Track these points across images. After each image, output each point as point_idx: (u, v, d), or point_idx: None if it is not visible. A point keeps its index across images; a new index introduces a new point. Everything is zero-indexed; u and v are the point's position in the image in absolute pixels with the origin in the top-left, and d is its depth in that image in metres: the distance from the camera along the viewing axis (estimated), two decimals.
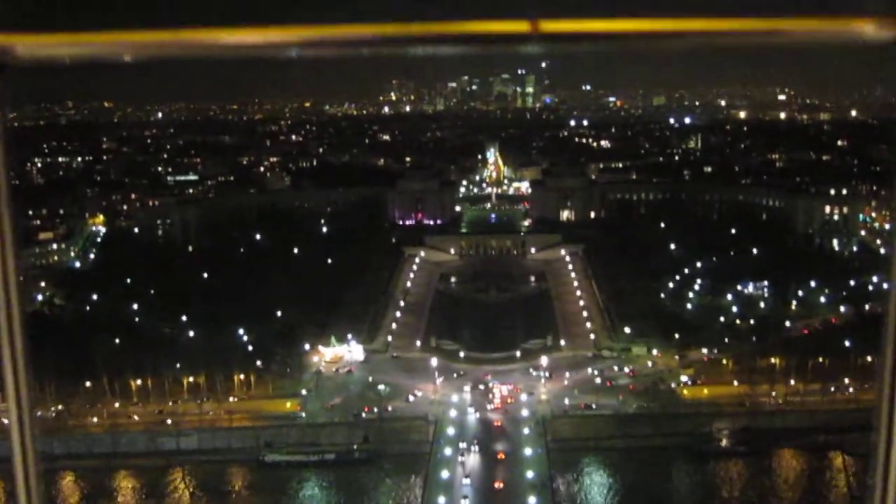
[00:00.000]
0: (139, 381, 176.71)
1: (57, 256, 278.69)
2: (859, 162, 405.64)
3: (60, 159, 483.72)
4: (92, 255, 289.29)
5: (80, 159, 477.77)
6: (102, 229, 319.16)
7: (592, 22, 4.16)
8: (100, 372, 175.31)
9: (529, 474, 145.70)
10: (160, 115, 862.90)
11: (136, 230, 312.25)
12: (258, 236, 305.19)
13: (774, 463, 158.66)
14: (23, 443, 5.18)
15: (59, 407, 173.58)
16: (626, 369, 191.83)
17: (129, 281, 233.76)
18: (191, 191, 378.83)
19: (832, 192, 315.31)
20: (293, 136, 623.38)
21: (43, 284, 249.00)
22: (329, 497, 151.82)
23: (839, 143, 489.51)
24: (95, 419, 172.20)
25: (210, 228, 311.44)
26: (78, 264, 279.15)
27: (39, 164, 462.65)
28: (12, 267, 4.75)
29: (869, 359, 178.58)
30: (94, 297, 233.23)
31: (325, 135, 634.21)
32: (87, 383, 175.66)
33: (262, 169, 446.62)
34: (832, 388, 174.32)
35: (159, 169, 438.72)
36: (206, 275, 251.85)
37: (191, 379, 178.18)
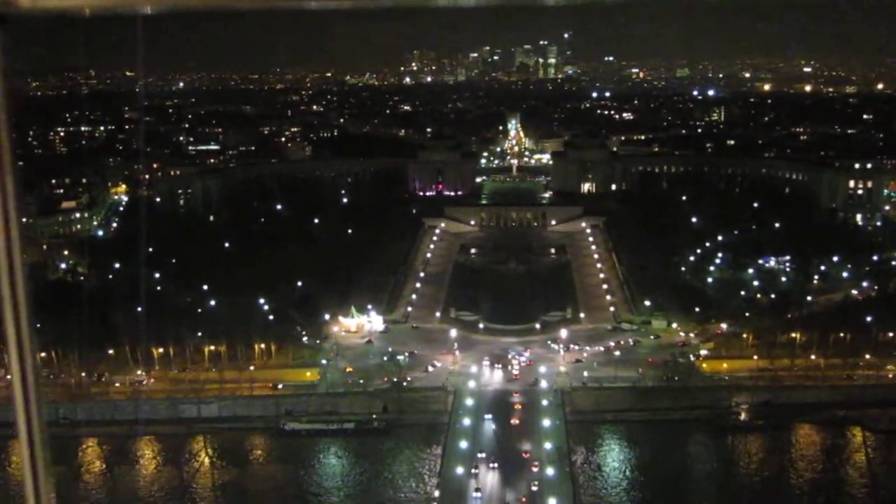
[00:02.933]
0: (161, 350, 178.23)
1: (80, 225, 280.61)
2: (885, 136, 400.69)
3: (83, 129, 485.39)
4: (114, 224, 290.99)
5: (102, 129, 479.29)
6: (125, 198, 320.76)
7: None
8: (122, 340, 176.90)
9: (547, 445, 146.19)
10: (181, 84, 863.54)
11: (157, 200, 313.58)
12: (279, 206, 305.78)
13: (794, 438, 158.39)
14: (27, 410, 5.19)
15: (82, 374, 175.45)
16: (647, 344, 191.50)
17: (150, 250, 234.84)
18: (212, 160, 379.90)
19: (857, 166, 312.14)
20: (314, 107, 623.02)
21: (66, 253, 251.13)
22: (348, 465, 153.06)
23: (865, 116, 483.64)
24: (118, 385, 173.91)
25: (231, 198, 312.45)
26: (101, 233, 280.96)
27: (63, 134, 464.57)
28: (16, 228, 4.67)
29: (891, 334, 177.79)
30: (117, 265, 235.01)
31: (346, 105, 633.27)
32: (110, 351, 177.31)
33: (282, 139, 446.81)
34: (853, 364, 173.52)
35: (181, 138, 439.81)
36: (227, 244, 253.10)
37: (212, 347, 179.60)
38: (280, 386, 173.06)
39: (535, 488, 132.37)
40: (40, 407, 5.21)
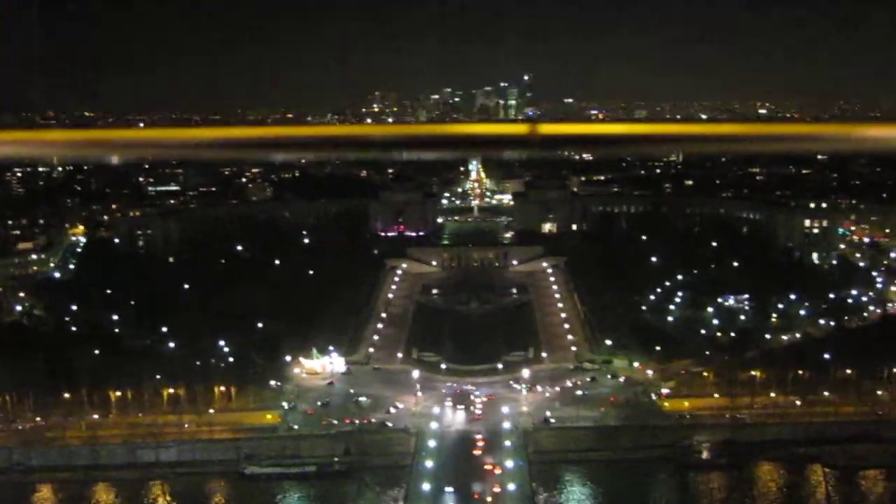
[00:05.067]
0: (118, 393, 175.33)
1: (36, 266, 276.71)
2: (839, 175, 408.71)
3: (41, 169, 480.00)
4: (72, 266, 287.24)
5: (60, 169, 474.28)
6: (83, 239, 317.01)
7: (586, 126, 4.17)
8: (79, 383, 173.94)
9: (511, 487, 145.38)
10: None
11: (116, 241, 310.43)
12: (240, 247, 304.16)
13: (755, 475, 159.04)
14: None
15: (38, 419, 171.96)
16: (608, 383, 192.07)
17: (109, 292, 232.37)
18: (172, 201, 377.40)
19: (812, 205, 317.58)
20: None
21: (22, 295, 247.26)
22: None
23: (819, 157, 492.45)
24: (74, 430, 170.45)
25: (191, 239, 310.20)
26: (58, 274, 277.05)
27: (20, 174, 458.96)
28: None
29: (848, 371, 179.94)
30: (74, 307, 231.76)
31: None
32: (66, 394, 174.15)
33: (243, 180, 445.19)
34: (811, 401, 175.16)
35: (140, 179, 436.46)
36: (186, 285, 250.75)
37: (171, 390, 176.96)
38: (240, 429, 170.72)
39: None
40: None
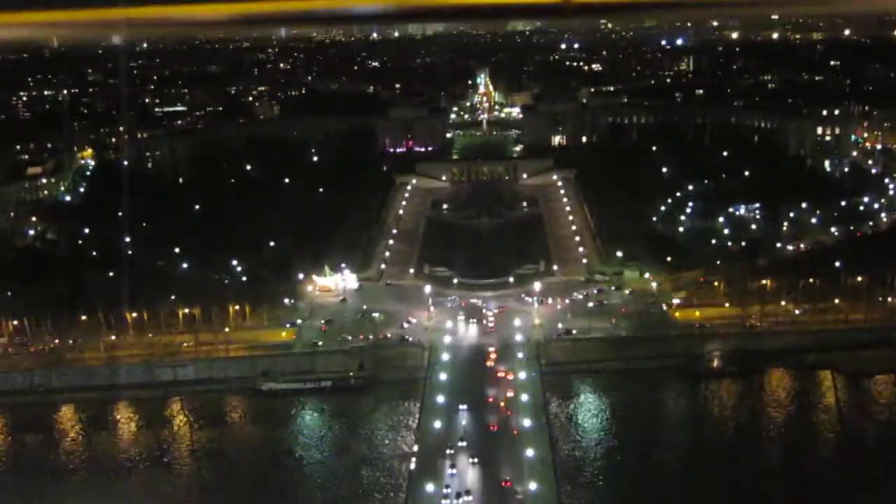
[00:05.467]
0: (134, 314, 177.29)
1: (47, 191, 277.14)
2: (852, 82, 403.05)
3: (46, 92, 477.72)
4: (82, 189, 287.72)
5: (65, 92, 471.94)
6: (91, 163, 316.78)
7: None
8: (95, 306, 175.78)
9: (524, 397, 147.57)
10: (145, 45, 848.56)
11: (125, 163, 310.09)
12: (249, 167, 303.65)
13: (765, 382, 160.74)
14: None
15: (56, 341, 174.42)
16: (620, 292, 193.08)
17: (120, 214, 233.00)
18: (179, 122, 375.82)
19: (824, 113, 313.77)
20: (281, 65, 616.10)
21: (34, 219, 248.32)
22: (326, 423, 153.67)
23: (832, 62, 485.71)
24: (92, 353, 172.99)
25: (200, 160, 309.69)
26: (68, 198, 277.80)
27: (25, 98, 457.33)
28: None
29: (859, 279, 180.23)
30: (87, 231, 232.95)
31: (314, 63, 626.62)
32: (83, 317, 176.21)
33: (250, 99, 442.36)
34: (822, 309, 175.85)
35: (147, 100, 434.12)
36: (197, 206, 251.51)
37: (186, 311, 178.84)
38: (256, 347, 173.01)
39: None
40: None
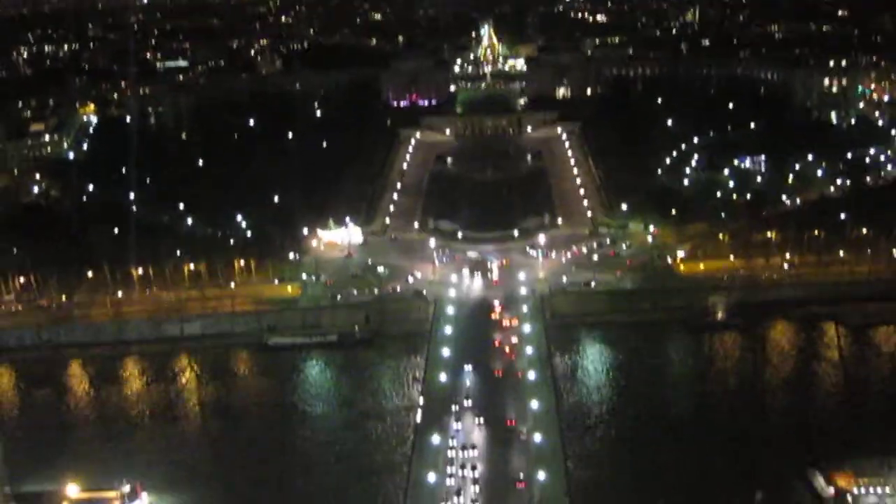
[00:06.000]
0: (140, 271, 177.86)
1: (50, 148, 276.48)
2: (860, 32, 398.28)
3: (47, 48, 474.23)
4: (85, 146, 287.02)
5: (66, 48, 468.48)
6: (94, 119, 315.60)
7: None
8: (101, 262, 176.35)
9: (528, 349, 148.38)
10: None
11: (128, 119, 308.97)
12: (252, 121, 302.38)
13: (769, 335, 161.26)
14: None
15: (63, 296, 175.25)
16: (624, 245, 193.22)
17: (124, 170, 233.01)
18: (181, 77, 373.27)
19: (831, 64, 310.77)
20: (283, 18, 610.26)
21: (38, 176, 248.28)
22: (333, 377, 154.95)
23: (839, 13, 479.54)
24: (99, 309, 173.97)
25: (203, 114, 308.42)
26: (72, 155, 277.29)
27: (26, 54, 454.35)
28: None
29: (864, 231, 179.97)
30: (91, 187, 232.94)
31: (316, 15, 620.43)
32: (89, 273, 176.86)
33: (252, 52, 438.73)
34: (827, 261, 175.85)
35: (148, 55, 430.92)
36: (200, 161, 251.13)
37: (191, 266, 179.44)
38: (261, 302, 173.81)
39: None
40: None
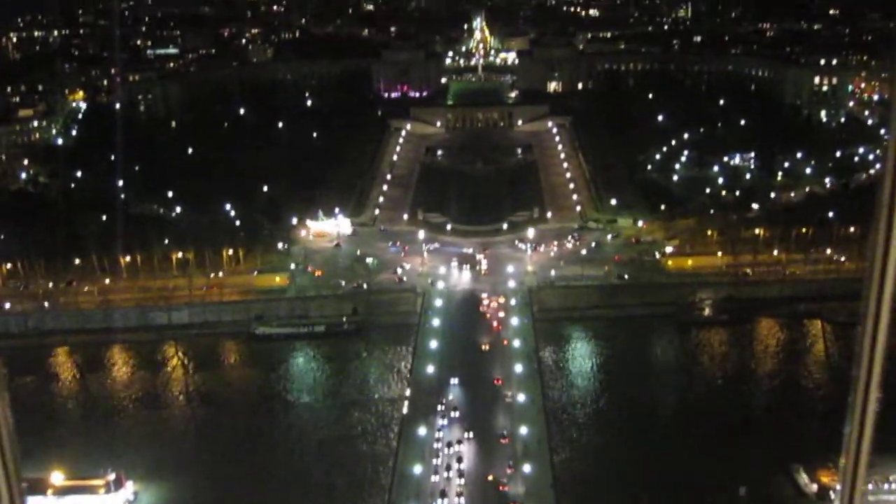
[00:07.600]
0: (128, 258, 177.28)
1: (38, 134, 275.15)
2: (850, 32, 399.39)
3: (36, 34, 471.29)
4: (74, 132, 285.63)
5: (56, 33, 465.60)
6: (83, 105, 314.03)
7: None
8: (88, 249, 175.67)
9: (516, 343, 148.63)
10: None
11: (117, 106, 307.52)
12: (242, 111, 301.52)
13: (756, 331, 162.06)
14: None
15: (49, 284, 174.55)
16: (610, 237, 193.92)
17: (113, 158, 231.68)
18: (171, 65, 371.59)
19: (822, 62, 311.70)
20: (274, 7, 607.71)
21: (26, 162, 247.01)
22: (319, 368, 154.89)
23: (830, 12, 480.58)
24: (86, 296, 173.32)
25: (193, 103, 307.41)
26: (60, 141, 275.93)
27: (15, 39, 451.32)
28: None
29: (851, 229, 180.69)
30: (79, 174, 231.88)
31: (308, 5, 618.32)
32: (77, 260, 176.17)
33: (243, 41, 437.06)
34: (814, 258, 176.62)
35: (138, 42, 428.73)
36: (190, 150, 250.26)
37: (179, 255, 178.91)
38: (249, 291, 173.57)
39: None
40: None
